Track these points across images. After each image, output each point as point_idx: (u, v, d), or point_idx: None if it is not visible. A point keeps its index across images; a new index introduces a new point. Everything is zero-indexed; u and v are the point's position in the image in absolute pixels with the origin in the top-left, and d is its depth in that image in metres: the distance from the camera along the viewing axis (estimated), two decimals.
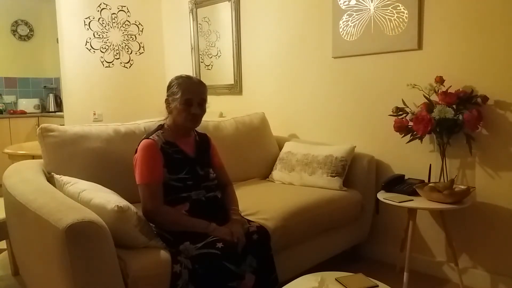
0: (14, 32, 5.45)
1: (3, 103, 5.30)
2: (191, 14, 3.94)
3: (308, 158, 2.66)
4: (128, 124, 2.36)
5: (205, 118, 1.95)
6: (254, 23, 3.41)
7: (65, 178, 1.80)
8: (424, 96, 2.32)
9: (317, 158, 2.62)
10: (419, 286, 2.37)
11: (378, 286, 1.52)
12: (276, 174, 2.78)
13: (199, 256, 1.60)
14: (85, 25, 3.90)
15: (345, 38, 2.76)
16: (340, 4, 2.76)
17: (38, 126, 2.90)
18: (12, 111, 5.26)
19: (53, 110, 5.54)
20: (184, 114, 1.83)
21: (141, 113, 3.93)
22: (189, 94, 1.83)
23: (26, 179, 1.82)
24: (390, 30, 2.54)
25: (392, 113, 2.44)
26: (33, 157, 2.93)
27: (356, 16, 2.69)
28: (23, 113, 5.25)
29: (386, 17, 2.55)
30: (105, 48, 4.03)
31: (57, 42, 3.96)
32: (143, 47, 4.29)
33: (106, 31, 4.03)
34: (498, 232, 2.26)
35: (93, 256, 1.35)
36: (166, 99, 1.90)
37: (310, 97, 3.05)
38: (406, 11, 2.46)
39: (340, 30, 2.78)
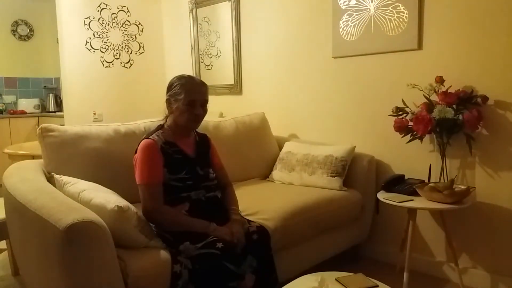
0: (14, 32, 5.45)
1: (3, 103, 5.30)
2: (191, 14, 3.94)
3: (308, 158, 2.66)
4: (128, 124, 2.36)
5: (205, 118, 1.95)
6: (254, 23, 3.41)
7: (65, 178, 1.80)
8: (424, 96, 2.32)
9: (317, 158, 2.62)
10: (419, 286, 2.37)
11: (378, 286, 1.52)
12: (276, 174, 2.78)
13: (199, 256, 1.60)
14: (85, 25, 3.90)
15: (345, 38, 2.76)
16: (340, 4, 2.76)
17: (38, 126, 2.90)
18: (12, 111, 5.26)
19: (53, 110, 5.54)
20: (187, 115, 1.83)
21: (141, 113, 3.93)
22: (193, 96, 1.83)
23: (26, 179, 1.82)
24: (390, 30, 2.54)
25: (392, 113, 2.44)
26: (33, 157, 2.93)
27: (356, 16, 2.69)
28: (23, 113, 5.25)
29: (386, 17, 2.55)
30: (105, 48, 4.03)
31: (57, 42, 3.96)
32: (143, 47, 4.29)
33: (106, 31, 4.03)
34: (498, 232, 2.26)
35: (93, 256, 1.35)
36: (167, 99, 1.89)
37: (310, 97, 3.05)
38: (406, 11, 2.46)
39: (340, 30, 2.78)
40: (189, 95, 1.82)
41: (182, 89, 1.83)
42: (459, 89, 2.26)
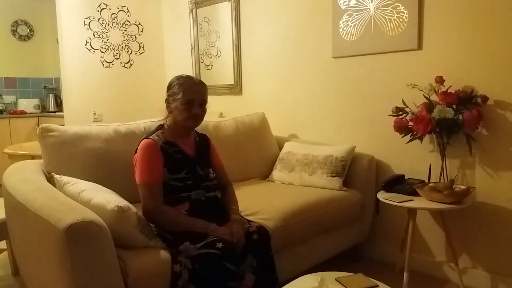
0: (14, 32, 5.45)
1: (3, 103, 5.30)
2: (191, 14, 3.95)
3: (308, 158, 2.66)
4: (128, 124, 2.36)
5: (205, 118, 1.95)
6: (254, 23, 3.41)
7: (65, 178, 1.80)
8: (424, 96, 2.32)
9: (317, 158, 2.62)
10: (419, 286, 2.37)
11: (378, 286, 1.52)
12: (276, 174, 2.78)
13: (199, 256, 1.60)
14: (85, 25, 3.90)
15: (345, 38, 2.76)
16: (340, 4, 2.76)
17: (38, 126, 2.90)
18: (12, 111, 5.26)
19: (53, 110, 5.54)
20: (185, 114, 1.83)
21: (141, 113, 3.93)
22: (191, 95, 1.83)
23: (26, 179, 1.82)
24: (390, 30, 2.54)
25: (392, 113, 2.44)
26: (33, 157, 2.93)
27: (356, 16, 2.69)
28: (23, 113, 5.25)
29: (386, 17, 2.55)
30: (105, 48, 4.03)
31: (57, 42, 3.96)
32: (143, 47, 4.29)
33: (106, 31, 4.03)
34: (498, 232, 2.26)
35: (93, 256, 1.35)
36: (166, 99, 1.90)
37: (310, 97, 3.05)
38: (406, 11, 2.46)
39: (340, 30, 2.78)
40: (187, 94, 1.82)
41: (180, 88, 1.83)
42: (459, 89, 2.26)
